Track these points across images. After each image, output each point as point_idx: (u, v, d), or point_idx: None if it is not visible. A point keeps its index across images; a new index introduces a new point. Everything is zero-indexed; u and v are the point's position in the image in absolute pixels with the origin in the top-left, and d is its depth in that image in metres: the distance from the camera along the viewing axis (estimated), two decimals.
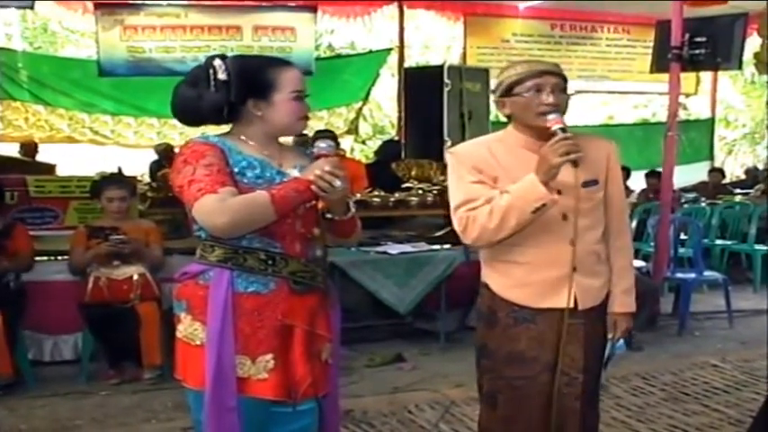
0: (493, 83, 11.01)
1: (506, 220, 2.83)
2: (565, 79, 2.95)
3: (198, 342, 2.60)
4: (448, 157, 3.14)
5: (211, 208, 2.47)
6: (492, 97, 3.03)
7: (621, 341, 3.08)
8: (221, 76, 2.60)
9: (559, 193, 2.88)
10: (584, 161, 2.89)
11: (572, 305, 2.95)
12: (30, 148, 10.66)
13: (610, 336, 3.06)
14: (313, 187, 2.53)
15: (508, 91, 2.95)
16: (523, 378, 3.02)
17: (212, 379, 2.55)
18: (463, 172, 2.99)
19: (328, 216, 2.72)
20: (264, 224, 2.54)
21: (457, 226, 2.99)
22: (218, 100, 2.61)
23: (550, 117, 2.84)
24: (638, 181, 11.08)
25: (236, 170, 2.56)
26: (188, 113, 2.69)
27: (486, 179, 2.94)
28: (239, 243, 2.58)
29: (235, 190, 2.51)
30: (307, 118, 2.72)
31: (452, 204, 3.01)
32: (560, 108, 2.88)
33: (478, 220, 2.90)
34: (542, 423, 3.04)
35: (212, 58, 2.66)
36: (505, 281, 3.03)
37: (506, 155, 2.96)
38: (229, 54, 2.74)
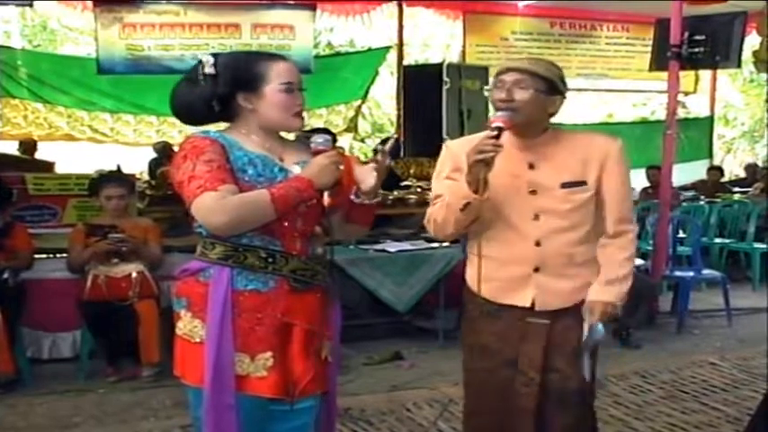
0: (492, 81, 11.06)
1: (446, 217, 2.90)
2: (540, 77, 2.88)
3: (197, 339, 2.60)
4: (442, 149, 3.16)
5: (210, 206, 2.46)
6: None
7: (600, 325, 2.95)
8: (208, 70, 2.60)
9: (534, 193, 2.91)
10: (567, 162, 2.92)
11: (528, 304, 2.96)
12: (29, 145, 10.67)
13: (586, 323, 2.97)
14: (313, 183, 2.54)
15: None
16: (484, 371, 3.06)
17: (211, 376, 2.54)
18: (443, 167, 3.05)
19: (356, 200, 2.71)
20: (264, 223, 2.54)
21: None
22: (207, 93, 2.61)
23: (496, 114, 2.84)
24: (636, 179, 11.06)
25: (236, 167, 2.55)
26: (182, 109, 2.68)
27: (460, 178, 2.92)
28: (240, 241, 2.57)
29: (235, 187, 2.49)
30: (301, 114, 2.70)
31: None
32: (514, 105, 2.84)
33: (433, 215, 2.99)
34: (499, 419, 3.04)
35: (204, 54, 2.67)
36: (475, 274, 3.06)
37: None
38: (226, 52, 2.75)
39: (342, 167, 2.61)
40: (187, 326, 2.63)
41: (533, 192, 2.91)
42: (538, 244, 2.93)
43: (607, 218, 3.01)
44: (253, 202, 2.49)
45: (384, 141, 2.85)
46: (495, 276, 3.00)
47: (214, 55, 2.67)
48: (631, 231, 3.10)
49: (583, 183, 2.94)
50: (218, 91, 2.61)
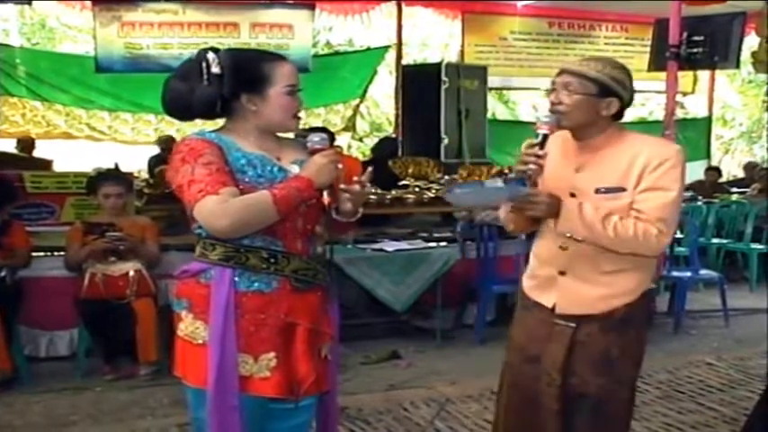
0: (491, 81, 11.09)
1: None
2: (584, 77, 2.83)
3: (200, 341, 2.59)
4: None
5: (213, 210, 2.44)
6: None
7: (526, 188, 2.79)
8: (215, 69, 2.56)
9: (573, 196, 2.88)
10: (612, 167, 2.84)
11: (550, 306, 2.99)
12: (27, 144, 10.66)
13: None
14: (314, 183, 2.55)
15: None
16: (509, 363, 3.15)
17: (215, 378, 2.54)
18: None
19: (335, 217, 2.70)
20: (267, 224, 2.53)
21: None
22: (212, 94, 2.57)
23: (542, 120, 2.83)
24: None
25: (235, 168, 2.54)
26: (180, 108, 2.64)
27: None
28: (241, 242, 2.57)
29: (236, 190, 2.48)
30: (299, 115, 2.69)
31: None
32: (560, 108, 2.82)
33: None
34: (528, 415, 3.05)
35: (205, 51, 2.61)
36: (526, 269, 3.17)
37: (554, 152, 2.93)
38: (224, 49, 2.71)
39: (340, 166, 2.61)
40: (189, 327, 2.63)
41: (573, 195, 2.88)
42: (563, 248, 2.93)
43: (639, 215, 2.81)
44: (255, 205, 2.48)
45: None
46: (534, 273, 3.09)
47: (215, 51, 2.62)
48: (659, 230, 2.79)
49: (621, 189, 2.84)
50: (222, 91, 2.58)
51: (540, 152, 2.77)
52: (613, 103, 2.88)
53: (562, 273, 2.96)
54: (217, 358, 2.53)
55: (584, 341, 2.95)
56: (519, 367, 3.08)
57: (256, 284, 2.59)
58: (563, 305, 2.97)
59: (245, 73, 2.59)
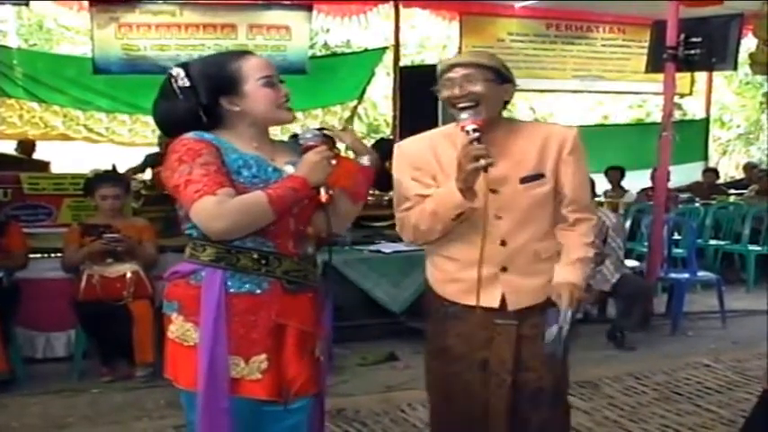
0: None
1: (432, 224, 2.86)
2: (488, 67, 2.82)
3: (191, 343, 2.58)
4: (394, 151, 3.09)
5: (210, 211, 2.44)
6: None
7: (569, 312, 2.85)
8: (183, 83, 2.59)
9: (494, 192, 2.84)
10: (525, 155, 2.87)
11: (497, 305, 2.91)
12: (27, 146, 10.64)
13: (559, 307, 2.88)
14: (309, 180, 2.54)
15: (439, 88, 2.93)
16: (450, 374, 3.00)
17: (205, 380, 2.52)
18: (402, 169, 2.99)
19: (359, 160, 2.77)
20: (263, 225, 2.53)
21: (396, 226, 3.03)
22: (190, 106, 2.59)
23: (463, 116, 2.78)
24: (631, 181, 11.09)
25: (232, 169, 2.53)
26: (169, 125, 2.66)
27: (423, 177, 2.92)
28: (232, 243, 2.55)
29: (233, 191, 2.47)
30: (288, 104, 2.67)
31: (394, 202, 3.04)
32: (473, 97, 2.79)
33: (411, 221, 2.93)
34: (469, 422, 3.01)
35: (172, 68, 2.65)
36: (438, 275, 3.03)
37: (448, 151, 2.89)
38: (193, 59, 2.74)
39: (334, 162, 2.60)
40: (179, 329, 2.61)
41: (494, 190, 2.84)
42: (503, 243, 2.88)
43: (565, 206, 2.95)
44: (252, 205, 2.47)
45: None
46: (460, 277, 2.94)
47: (183, 65, 2.65)
48: (591, 219, 3.01)
49: (541, 175, 2.89)
50: (200, 101, 2.59)
51: (481, 145, 2.69)
52: (510, 89, 2.91)
53: (504, 269, 2.90)
54: (207, 360, 2.52)
55: (530, 335, 2.93)
56: (461, 375, 2.97)
57: (247, 286, 2.58)
58: (513, 301, 2.91)
59: (215, 77, 2.60)
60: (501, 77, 2.86)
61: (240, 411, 2.58)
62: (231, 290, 2.56)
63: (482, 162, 2.66)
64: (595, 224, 3.04)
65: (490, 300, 2.91)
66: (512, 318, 2.92)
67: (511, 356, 2.92)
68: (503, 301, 2.91)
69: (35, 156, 10.38)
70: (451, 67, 2.86)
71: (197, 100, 2.59)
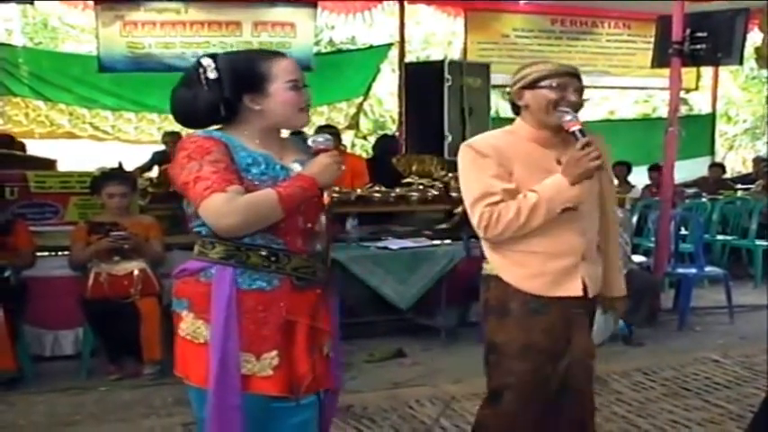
0: (494, 78, 11.07)
1: (533, 218, 2.96)
2: (582, 83, 3.07)
3: (201, 340, 2.58)
4: (464, 149, 3.13)
5: (220, 208, 2.44)
6: (509, 88, 3.07)
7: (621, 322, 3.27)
8: (211, 74, 2.57)
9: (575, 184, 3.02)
10: None
11: (580, 293, 3.07)
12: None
13: (611, 317, 3.33)
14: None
15: (532, 84, 3.03)
16: (533, 371, 3.06)
17: (216, 377, 2.52)
18: (483, 164, 3.04)
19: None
20: (272, 222, 2.53)
21: (476, 220, 3.04)
22: (213, 99, 2.58)
23: (568, 118, 2.95)
24: (638, 176, 11.07)
25: (241, 167, 2.53)
26: (187, 115, 2.65)
27: (504, 172, 3.01)
28: (242, 240, 2.56)
29: (242, 188, 2.48)
30: (307, 109, 2.69)
31: (470, 198, 3.06)
32: (579, 109, 3.01)
33: (504, 216, 2.97)
34: (544, 415, 3.10)
35: (202, 57, 2.63)
36: (521, 271, 3.08)
37: (519, 148, 3.05)
38: (225, 51, 2.73)
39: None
40: (190, 327, 2.62)
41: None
42: (583, 234, 3.06)
43: (605, 206, 3.23)
44: (262, 203, 2.48)
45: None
46: (545, 270, 3.05)
47: (212, 56, 2.63)
48: (617, 220, 3.39)
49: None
50: (224, 95, 2.58)
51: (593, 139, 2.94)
52: None
53: (583, 258, 3.07)
54: (218, 357, 2.52)
55: (590, 321, 3.21)
56: (540, 371, 3.07)
57: (258, 283, 2.58)
58: (593, 288, 3.11)
59: (244, 74, 2.60)
60: None
61: (250, 408, 2.58)
62: (242, 287, 2.56)
63: (599, 162, 2.91)
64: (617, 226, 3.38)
65: (575, 289, 3.06)
66: (587, 305, 3.13)
67: (590, 341, 3.16)
68: (585, 289, 3.08)
69: (38, 153, 10.32)
70: (567, 74, 3.04)
71: (221, 93, 2.58)
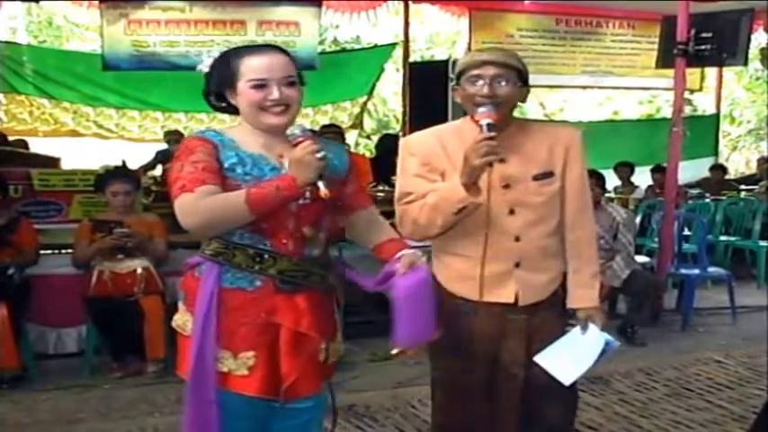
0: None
1: (433, 218, 2.83)
2: (515, 69, 2.86)
3: (187, 333, 2.63)
4: (400, 144, 3.09)
5: (184, 207, 2.47)
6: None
7: (611, 339, 3.00)
8: (205, 68, 2.68)
9: (507, 187, 2.87)
10: (536, 154, 2.91)
11: (512, 300, 2.92)
12: None
13: (592, 332, 2.99)
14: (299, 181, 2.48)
15: (458, 81, 2.92)
16: (460, 370, 3.00)
17: (193, 369, 2.56)
18: (409, 163, 2.98)
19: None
20: (243, 223, 2.51)
21: (396, 219, 3.00)
22: (205, 91, 2.69)
23: (480, 110, 2.77)
24: (642, 177, 11.06)
25: (225, 166, 2.54)
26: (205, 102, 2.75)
27: (430, 173, 2.92)
28: (231, 238, 2.57)
29: (215, 188, 2.47)
30: (276, 110, 2.58)
31: (396, 195, 3.02)
32: (498, 100, 2.80)
33: (410, 215, 2.92)
34: (480, 417, 3.02)
35: (211, 53, 2.74)
36: (449, 273, 3.01)
37: (458, 146, 2.85)
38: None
39: (321, 154, 2.48)
40: (180, 318, 2.69)
41: (506, 186, 2.88)
42: (517, 239, 2.90)
43: (569, 207, 2.99)
44: (227, 204, 2.47)
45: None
46: (472, 274, 2.94)
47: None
48: (593, 222, 3.09)
49: (551, 174, 2.93)
50: (211, 89, 2.67)
51: (494, 134, 2.70)
52: (525, 91, 2.95)
53: (517, 265, 2.92)
54: (195, 350, 2.55)
55: (539, 328, 2.97)
56: (473, 372, 2.99)
57: (239, 282, 2.59)
58: (525, 296, 2.94)
59: (219, 70, 2.64)
60: (522, 80, 2.90)
61: (237, 406, 2.60)
62: (224, 285, 2.58)
63: (491, 157, 2.67)
64: (596, 227, 3.15)
65: (505, 295, 2.92)
66: (522, 313, 2.95)
67: (523, 351, 2.95)
68: (516, 296, 2.93)
69: (41, 150, 10.33)
70: (483, 63, 2.85)
71: (210, 88, 2.67)
